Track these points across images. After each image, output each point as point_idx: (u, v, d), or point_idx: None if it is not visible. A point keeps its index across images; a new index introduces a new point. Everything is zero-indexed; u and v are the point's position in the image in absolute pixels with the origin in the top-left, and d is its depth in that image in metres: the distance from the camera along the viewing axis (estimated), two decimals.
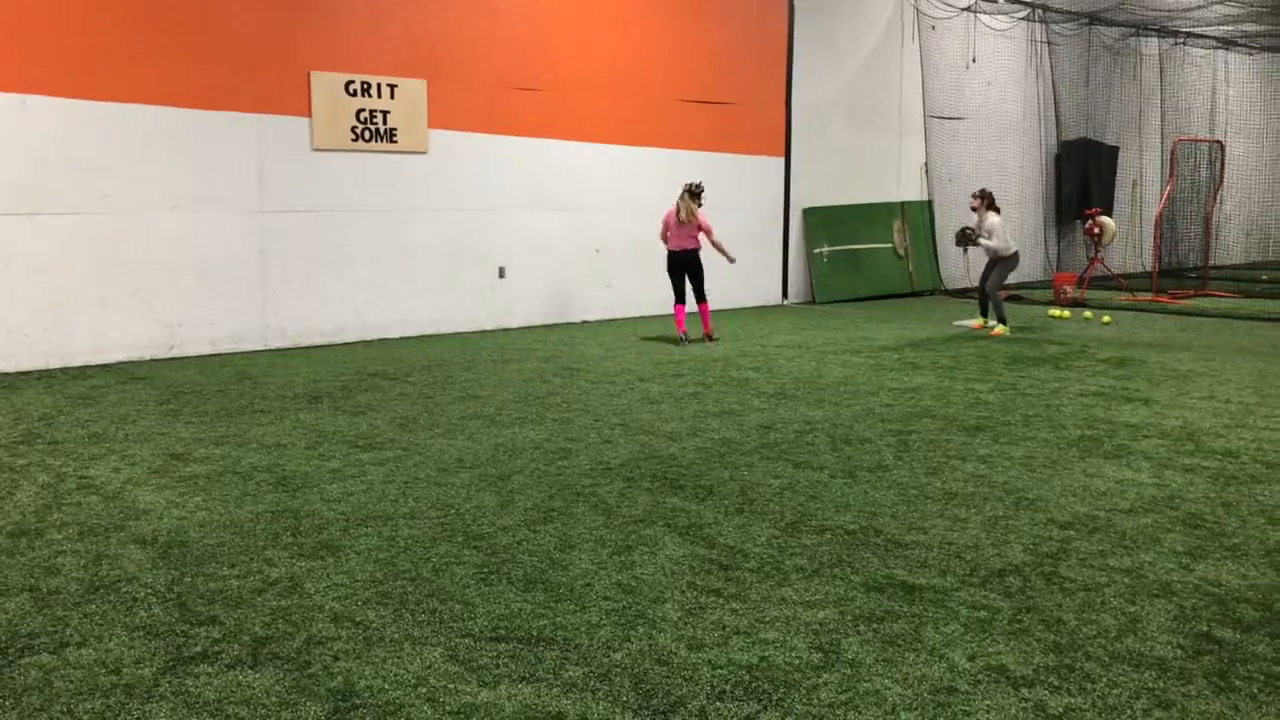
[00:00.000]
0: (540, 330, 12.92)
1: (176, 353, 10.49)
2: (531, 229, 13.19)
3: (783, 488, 5.83)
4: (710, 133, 14.89)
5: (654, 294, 14.47)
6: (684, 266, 11.76)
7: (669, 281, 11.95)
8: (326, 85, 11.19)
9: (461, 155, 12.42)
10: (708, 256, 11.84)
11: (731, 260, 11.86)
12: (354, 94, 11.40)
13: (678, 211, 11.57)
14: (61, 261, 9.76)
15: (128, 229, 10.13)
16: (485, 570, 4.53)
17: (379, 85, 11.57)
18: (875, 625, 3.99)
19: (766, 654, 3.73)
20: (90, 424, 7.46)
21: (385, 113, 11.65)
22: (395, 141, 11.78)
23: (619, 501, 5.57)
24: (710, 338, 12.00)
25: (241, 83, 10.67)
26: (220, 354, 10.72)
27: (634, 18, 13.90)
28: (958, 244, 13.27)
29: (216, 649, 3.73)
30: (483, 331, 12.77)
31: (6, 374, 9.39)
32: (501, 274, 13.00)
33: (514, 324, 13.17)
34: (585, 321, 13.73)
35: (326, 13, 11.19)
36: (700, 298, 11.84)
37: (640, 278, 14.29)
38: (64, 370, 9.70)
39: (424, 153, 12.09)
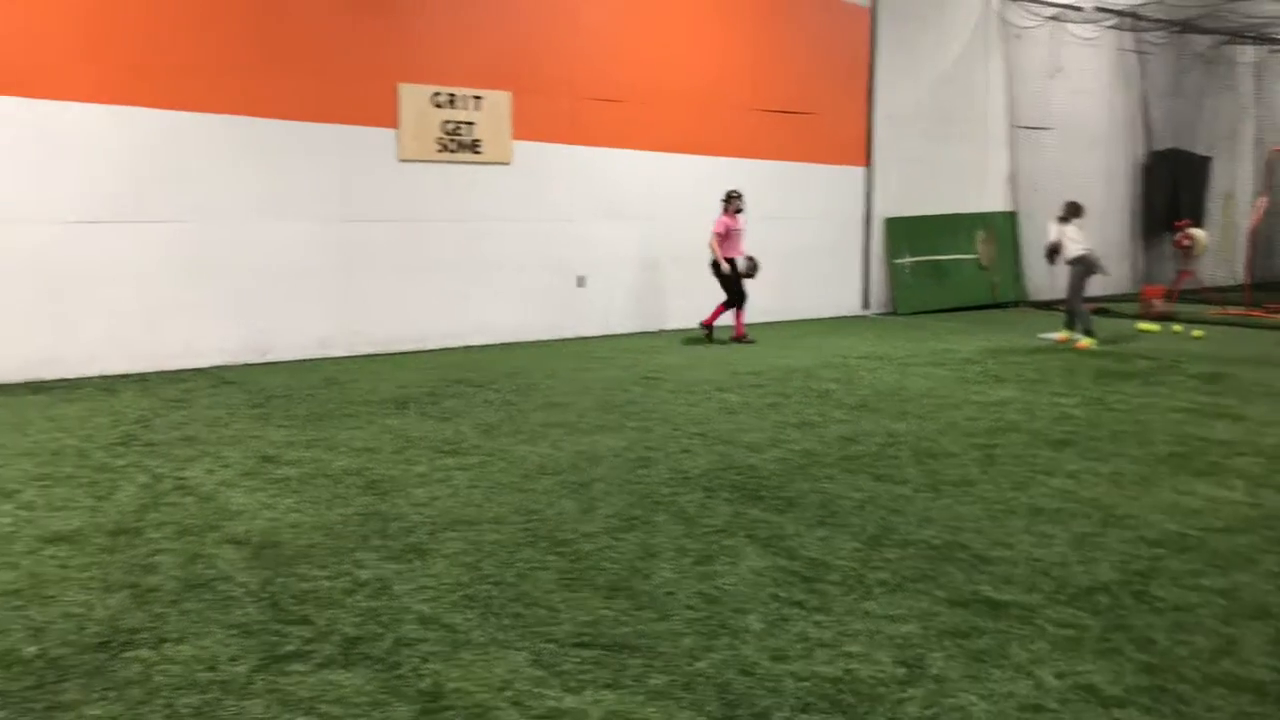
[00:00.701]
0: (619, 339, 12.99)
1: (267, 358, 10.75)
2: (610, 238, 13.28)
3: (865, 501, 5.80)
4: (789, 142, 14.85)
5: None
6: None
7: (728, 290, 12.69)
8: (414, 97, 11.40)
9: (543, 166, 12.56)
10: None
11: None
12: (440, 106, 11.59)
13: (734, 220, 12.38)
14: (157, 268, 10.07)
15: (221, 237, 10.42)
16: (568, 576, 4.58)
17: (464, 97, 11.75)
18: (960, 641, 3.95)
19: (851, 667, 3.72)
20: (184, 426, 7.68)
21: (470, 124, 11.82)
22: (479, 152, 11.95)
23: (699, 511, 5.59)
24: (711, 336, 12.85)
25: (331, 95, 10.92)
26: (309, 359, 10.96)
27: (713, 28, 13.94)
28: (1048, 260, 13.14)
29: (309, 648, 3.82)
30: (562, 339, 12.87)
31: (106, 377, 9.71)
32: (581, 283, 13.10)
33: (593, 332, 13.25)
34: (663, 330, 13.77)
35: (415, 26, 11.41)
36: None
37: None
38: (159, 374, 9.99)
39: (507, 163, 12.25)
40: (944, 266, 16.80)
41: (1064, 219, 12.67)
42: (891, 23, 15.84)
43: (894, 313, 16.21)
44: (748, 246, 12.70)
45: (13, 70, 9.15)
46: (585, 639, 3.93)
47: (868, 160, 15.90)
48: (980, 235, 17.17)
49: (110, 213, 9.79)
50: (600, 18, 12.81)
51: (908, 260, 16.40)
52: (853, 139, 15.72)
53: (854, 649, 3.87)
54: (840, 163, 15.57)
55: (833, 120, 15.34)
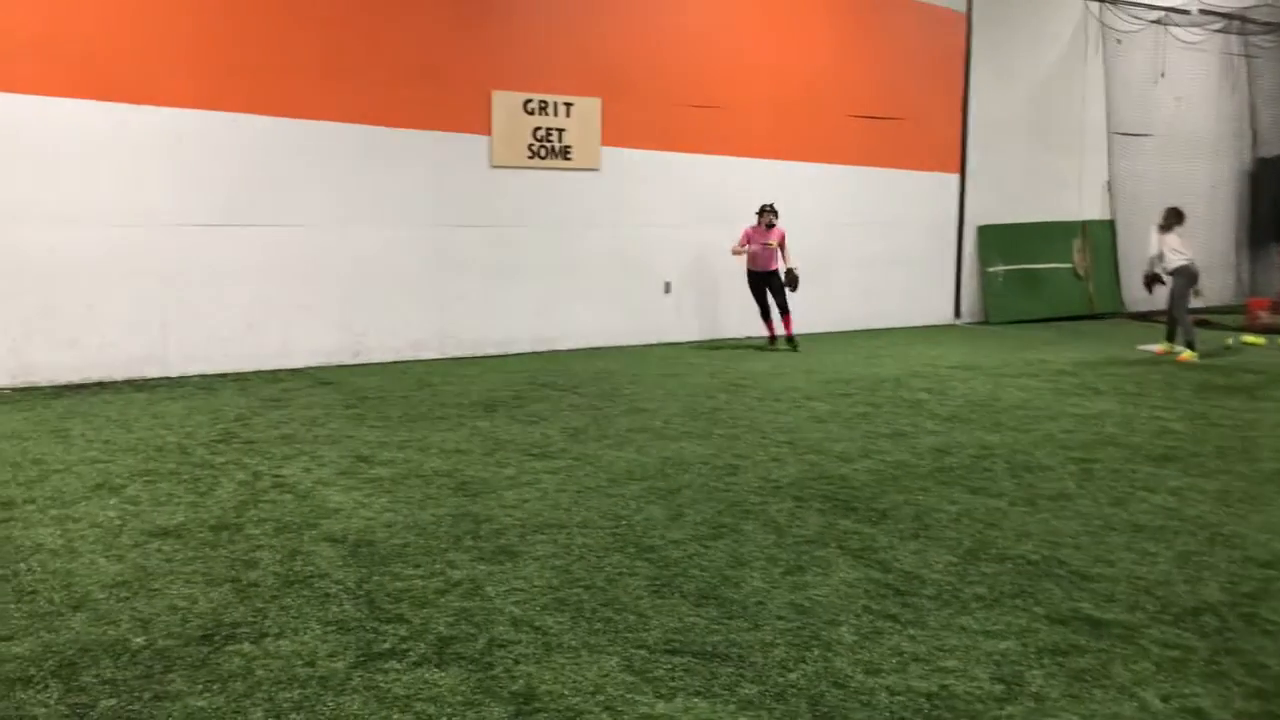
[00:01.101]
0: (705, 345, 12.97)
1: (361, 359, 10.96)
2: (698, 244, 13.28)
3: (959, 514, 5.70)
4: (881, 148, 14.71)
5: (821, 311, 14.38)
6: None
7: (756, 299, 12.87)
8: (506, 104, 11.53)
9: (632, 172, 12.61)
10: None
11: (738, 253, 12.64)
12: (532, 112, 11.71)
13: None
14: (257, 271, 10.33)
15: (317, 241, 10.66)
16: (658, 582, 4.58)
17: (555, 104, 11.85)
18: (1060, 659, 3.85)
19: (946, 683, 3.65)
20: (282, 425, 7.86)
21: (561, 130, 11.92)
22: (569, 159, 12.05)
23: (789, 521, 5.54)
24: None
25: (427, 102, 11.10)
26: (401, 361, 11.15)
27: (805, 34, 13.87)
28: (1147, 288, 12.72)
29: (404, 646, 3.87)
30: (648, 345, 12.91)
31: (206, 376, 9.98)
32: (668, 289, 13.12)
33: (679, 338, 13.26)
34: (750, 337, 13.71)
35: (508, 33, 11.54)
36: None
37: (806, 295, 14.20)
38: (257, 374, 10.25)
39: (596, 169, 12.32)
40: (1038, 275, 16.46)
41: (1165, 227, 12.29)
42: (987, 28, 15.60)
43: (986, 322, 15.93)
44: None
45: (119, 77, 9.46)
46: (676, 646, 3.92)
47: (961, 167, 15.67)
48: (1076, 244, 16.81)
49: (211, 217, 10.07)
50: (691, 24, 12.83)
51: (1000, 269, 16.11)
52: (946, 145, 15.50)
53: (950, 664, 3.80)
54: (933, 169, 15.37)
55: (926, 126, 15.16)
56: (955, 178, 15.67)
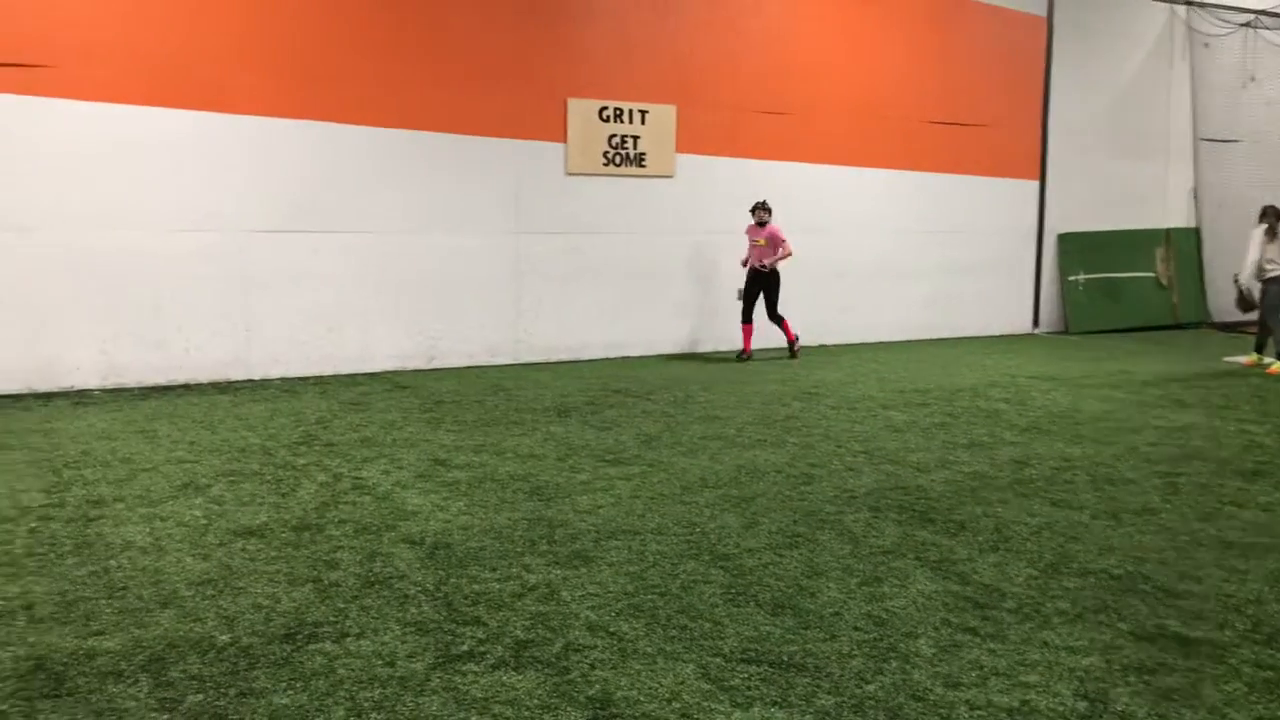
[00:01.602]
0: (778, 353, 12.90)
1: (436, 364, 11.09)
2: None
3: (1040, 526, 5.59)
4: (959, 155, 14.53)
5: (896, 319, 14.24)
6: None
7: (744, 300, 12.39)
8: (582, 112, 11.61)
9: (706, 178, 12.60)
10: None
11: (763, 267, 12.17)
12: (607, 120, 11.76)
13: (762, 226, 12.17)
14: (335, 276, 10.51)
15: (395, 247, 10.81)
16: (733, 591, 4.56)
17: (630, 111, 11.90)
18: (1147, 677, 3.76)
19: (1028, 698, 3.58)
20: (361, 428, 7.98)
21: (636, 138, 11.96)
22: (644, 166, 12.08)
23: (865, 531, 5.49)
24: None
25: (504, 110, 11.20)
26: (476, 366, 11.27)
27: (881, 39, 13.75)
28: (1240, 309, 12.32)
29: (482, 649, 3.91)
30: (720, 352, 12.88)
31: (288, 379, 10.18)
32: (739, 296, 13.06)
33: (752, 345, 13.19)
34: (824, 345, 13.61)
35: (584, 42, 11.62)
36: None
37: (880, 302, 14.11)
38: (335, 377, 10.43)
39: (670, 176, 12.34)
40: (1120, 284, 16.12)
41: (1271, 232, 11.57)
42: (1069, 32, 15.33)
43: (1066, 332, 15.64)
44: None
45: (207, 86, 9.70)
46: (752, 655, 3.91)
47: (1041, 173, 15.41)
48: (1160, 252, 16.42)
49: (293, 223, 10.27)
50: (766, 30, 12.79)
51: (1081, 277, 15.80)
52: (1026, 152, 15.26)
53: (1031, 679, 3.73)
54: (1012, 176, 15.13)
55: (1005, 132, 14.93)
56: (1035, 184, 15.41)
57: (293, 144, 10.19)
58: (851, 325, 13.98)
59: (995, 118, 14.78)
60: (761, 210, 12.04)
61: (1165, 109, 16.56)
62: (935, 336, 14.71)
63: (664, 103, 12.13)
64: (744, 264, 12.31)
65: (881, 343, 14.09)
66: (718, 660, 3.85)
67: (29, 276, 9.14)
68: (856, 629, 4.17)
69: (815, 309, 13.61)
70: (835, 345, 13.70)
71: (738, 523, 5.60)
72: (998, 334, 15.22)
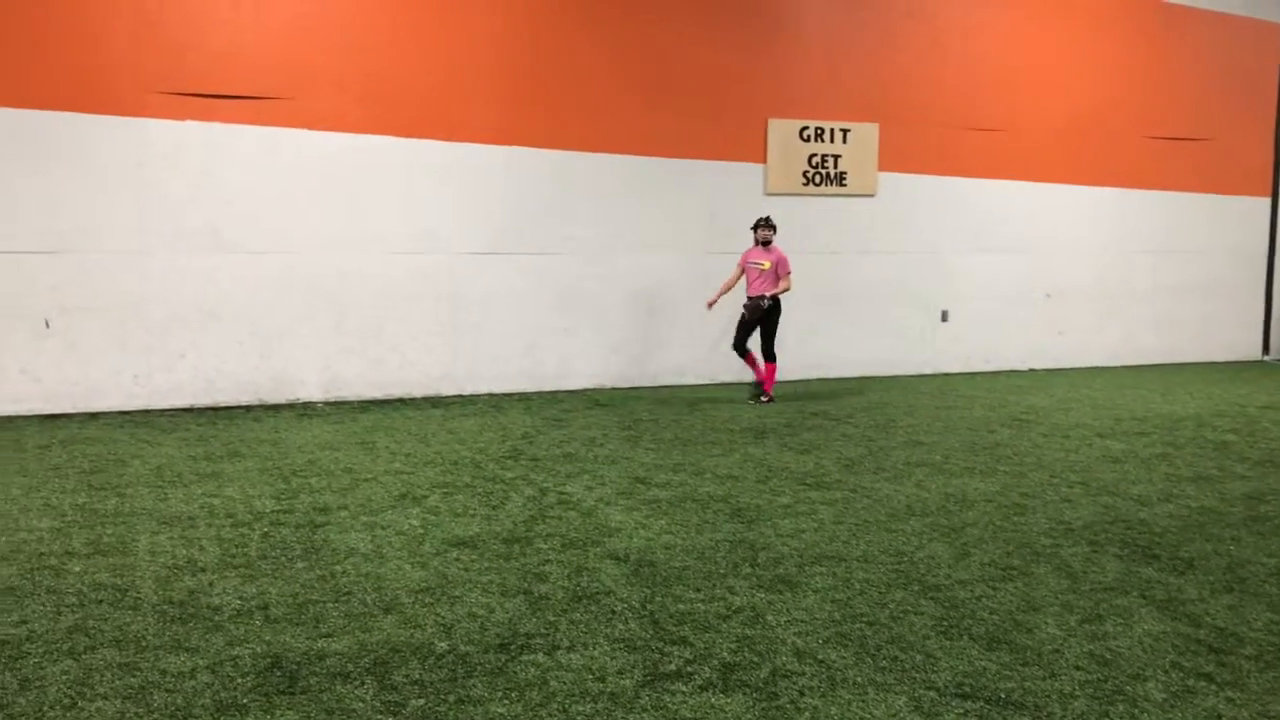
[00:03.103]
0: (983, 377, 12.50)
1: (633, 382, 11.25)
2: (977, 272, 12.84)
3: None
4: (1180, 171, 13.76)
5: (1109, 342, 13.61)
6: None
7: (739, 329, 10.50)
8: (782, 132, 11.58)
9: (908, 197, 12.36)
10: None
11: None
12: (807, 139, 11.70)
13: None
14: (538, 296, 10.81)
15: (594, 267, 11.04)
16: (945, 623, 4.42)
17: (831, 130, 11.80)
18: None
19: None
20: (564, 444, 8.16)
21: (836, 157, 11.85)
22: (845, 185, 11.95)
23: (1085, 566, 5.23)
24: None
25: (704, 132, 11.30)
26: (668, 385, 11.36)
27: (1096, 51, 13.18)
28: None
29: (689, 669, 3.92)
30: (921, 375, 12.57)
31: (493, 395, 10.52)
32: (944, 317, 12.74)
33: (955, 369, 12.84)
34: (1032, 370, 13.11)
35: (785, 62, 11.60)
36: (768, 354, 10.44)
37: (1093, 325, 13.49)
38: (539, 394, 10.71)
39: (871, 195, 12.15)
40: None
41: None
42: None
43: None
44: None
45: (424, 115, 10.17)
46: (967, 689, 3.77)
47: (1273, 190, 14.40)
48: None
49: (499, 245, 10.63)
50: (972, 46, 12.46)
51: None
52: (1256, 167, 14.32)
53: None
54: (1240, 193, 14.23)
55: (1231, 147, 14.06)
56: (1266, 202, 14.42)
57: (500, 169, 10.56)
58: (1063, 349, 13.42)
59: (1220, 131, 13.92)
60: (765, 228, 10.20)
61: None
62: (1152, 362, 13.96)
63: (867, 121, 11.97)
64: (722, 291, 10.46)
65: (1094, 367, 13.47)
66: (931, 694, 3.74)
67: (261, 296, 9.78)
68: (1078, 668, 3.97)
69: (1023, 332, 13.14)
70: (1045, 370, 13.16)
71: (948, 553, 5.43)
72: (1221, 361, 14.30)
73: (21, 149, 8.97)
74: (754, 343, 10.47)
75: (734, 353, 10.55)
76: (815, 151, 11.77)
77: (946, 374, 12.73)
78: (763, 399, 10.33)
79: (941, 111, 12.39)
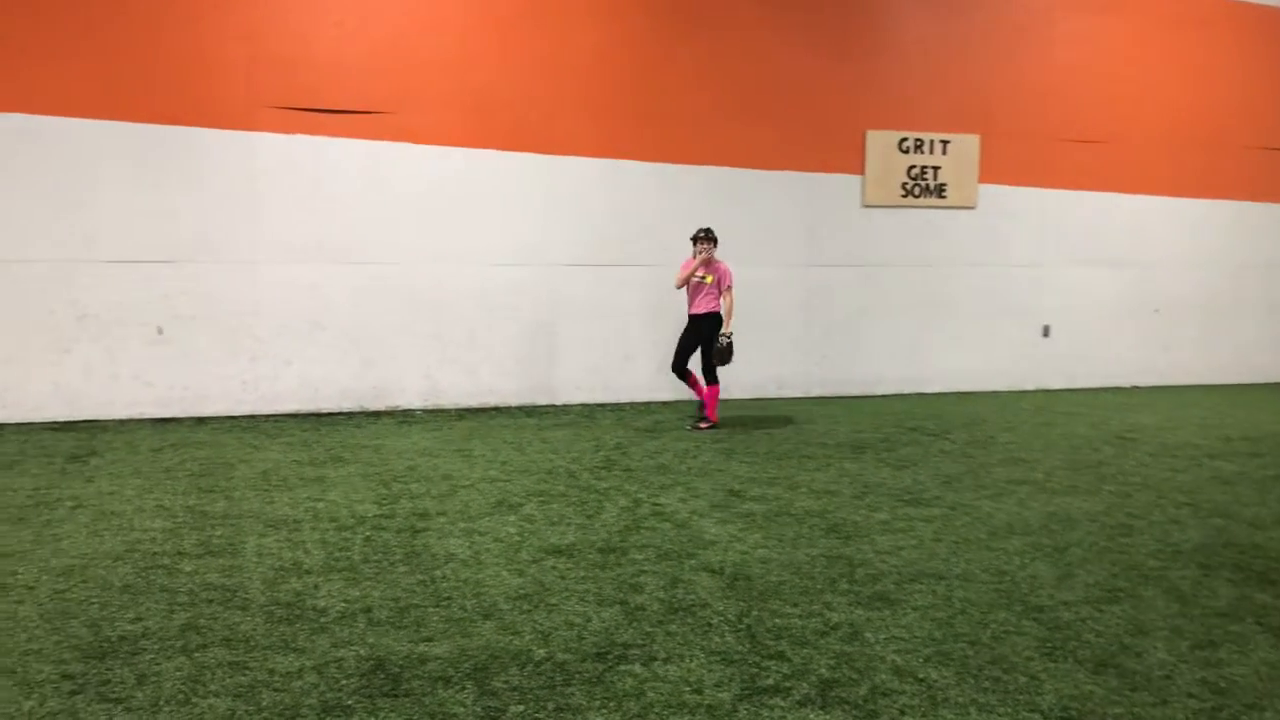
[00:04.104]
0: (1085, 393, 12.20)
1: (726, 395, 11.22)
2: (1081, 286, 12.54)
3: None
4: None
5: (1218, 359, 13.19)
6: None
7: (679, 348, 9.57)
8: (880, 144, 11.48)
9: (1010, 209, 12.13)
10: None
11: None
12: (906, 151, 11.57)
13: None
14: (632, 308, 10.85)
15: None
16: (1048, 645, 4.32)
17: (931, 142, 11.65)
18: None
19: None
20: (657, 455, 8.19)
21: (936, 168, 11.69)
22: (944, 197, 11.78)
23: (1195, 590, 5.07)
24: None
25: (800, 144, 11.26)
26: (764, 398, 11.31)
27: (1208, 59, 12.79)
28: None
29: (787, 684, 3.89)
30: (1021, 391, 12.32)
31: (587, 405, 10.60)
32: (1046, 332, 12.47)
33: (1056, 385, 12.56)
34: (1136, 387, 12.75)
35: (885, 73, 11.49)
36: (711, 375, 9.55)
37: (1201, 341, 13.07)
38: (631, 405, 10.76)
39: (971, 207, 11.96)
40: None
41: None
42: None
43: None
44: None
45: (525, 128, 10.31)
46: (1073, 713, 3.68)
47: None
48: None
49: (596, 257, 10.71)
50: (1075, 55, 12.20)
51: None
52: None
53: None
54: None
55: None
56: None
57: (599, 181, 10.65)
58: (1169, 366, 13.03)
59: None
60: (706, 241, 9.29)
61: None
62: (1265, 380, 13.47)
63: (967, 132, 11.79)
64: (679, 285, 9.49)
65: (1202, 385, 13.04)
66: (1035, 716, 3.66)
67: (364, 306, 10.01)
68: (1191, 695, 3.85)
69: (1128, 347, 12.80)
70: (1149, 386, 12.80)
71: (1051, 573, 5.31)
72: None
73: (138, 162, 9.33)
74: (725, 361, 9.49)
75: (674, 374, 9.62)
76: (914, 163, 11.64)
77: (1047, 390, 12.45)
78: (702, 424, 9.43)
79: (1043, 122, 12.15)
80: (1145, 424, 10.07)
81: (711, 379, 9.45)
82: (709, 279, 9.28)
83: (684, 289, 9.47)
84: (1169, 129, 12.64)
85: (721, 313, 9.29)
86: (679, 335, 9.55)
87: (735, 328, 9.71)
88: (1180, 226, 12.85)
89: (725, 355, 9.27)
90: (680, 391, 10.99)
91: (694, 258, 9.32)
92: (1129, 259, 12.67)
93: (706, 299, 9.32)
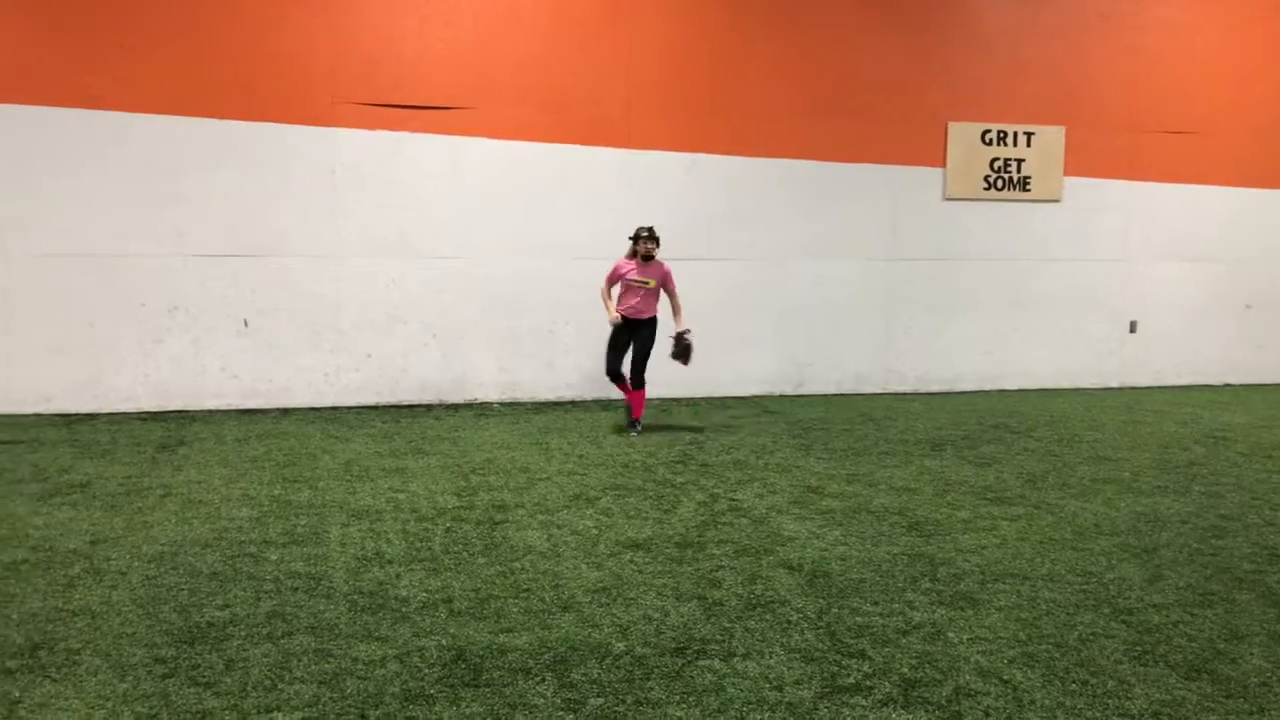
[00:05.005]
0: (1174, 391, 11.88)
1: (804, 390, 11.15)
2: (1170, 281, 12.20)
3: None
4: None
5: None
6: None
7: (610, 349, 8.99)
8: (963, 136, 11.28)
9: (1096, 203, 11.85)
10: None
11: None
12: (989, 143, 11.36)
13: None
14: (712, 301, 10.80)
15: (768, 273, 10.99)
16: (1138, 649, 4.21)
17: (1015, 134, 11.42)
18: None
19: None
20: (733, 450, 8.15)
21: (1019, 161, 11.46)
22: (1028, 190, 11.55)
23: None
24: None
25: (880, 136, 11.11)
26: (843, 394, 11.21)
27: None
28: None
29: (868, 683, 3.85)
30: (1107, 389, 12.03)
31: (663, 399, 10.59)
32: (1133, 328, 12.17)
33: (1143, 382, 12.25)
34: (1228, 385, 12.38)
35: (966, 65, 11.29)
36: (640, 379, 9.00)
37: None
38: (707, 399, 10.73)
39: (1056, 201, 11.71)
40: None
41: None
42: None
43: None
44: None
45: (604, 123, 10.33)
46: None
47: None
48: None
49: (675, 250, 10.64)
50: (1164, 45, 11.85)
51: None
52: None
53: None
54: None
55: None
56: None
57: (677, 175, 10.63)
58: (1262, 363, 12.63)
59: None
60: (648, 241, 8.71)
61: None
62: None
63: (1051, 124, 11.54)
64: (612, 308, 8.84)
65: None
66: None
67: (443, 300, 10.12)
68: None
69: (1219, 344, 12.43)
70: (1242, 385, 12.42)
71: (1140, 575, 5.18)
72: None
73: (226, 159, 9.53)
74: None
75: (608, 378, 9.06)
76: (997, 155, 11.42)
77: (1134, 387, 12.15)
78: (633, 432, 8.91)
79: (1131, 113, 11.84)
80: (1237, 423, 9.77)
81: (640, 383, 8.91)
82: (651, 283, 8.75)
83: (608, 289, 8.93)
84: (1262, 119, 12.23)
85: (675, 312, 8.87)
86: (608, 340, 8.96)
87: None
88: (1274, 220, 12.43)
89: (686, 354, 8.87)
90: (755, 387, 10.95)
91: (634, 258, 8.77)
92: (1219, 254, 12.29)
93: (646, 303, 8.79)
